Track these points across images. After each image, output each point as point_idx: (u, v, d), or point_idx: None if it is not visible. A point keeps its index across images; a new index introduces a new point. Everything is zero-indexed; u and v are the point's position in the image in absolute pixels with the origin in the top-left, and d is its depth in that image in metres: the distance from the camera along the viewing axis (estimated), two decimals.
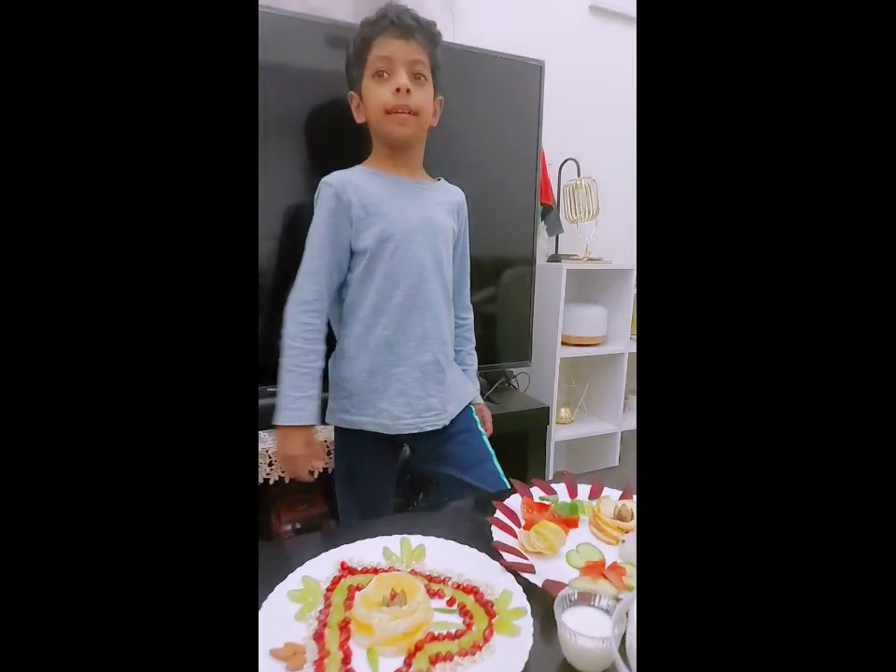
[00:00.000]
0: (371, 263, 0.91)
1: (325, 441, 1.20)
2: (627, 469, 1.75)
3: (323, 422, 0.96)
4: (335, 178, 0.92)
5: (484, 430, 1.08)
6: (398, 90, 0.88)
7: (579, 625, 0.51)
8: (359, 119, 0.96)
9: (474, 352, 1.14)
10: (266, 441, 1.22)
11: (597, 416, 2.00)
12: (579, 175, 1.82)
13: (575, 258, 1.84)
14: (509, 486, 1.00)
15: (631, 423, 1.94)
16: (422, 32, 0.89)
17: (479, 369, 1.18)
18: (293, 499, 1.42)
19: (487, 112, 1.46)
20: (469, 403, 1.07)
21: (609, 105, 1.97)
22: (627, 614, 0.45)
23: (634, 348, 1.88)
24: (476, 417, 1.08)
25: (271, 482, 1.22)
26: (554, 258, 1.84)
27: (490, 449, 1.05)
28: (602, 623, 0.54)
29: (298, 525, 1.39)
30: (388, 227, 0.90)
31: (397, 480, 1.15)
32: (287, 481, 1.19)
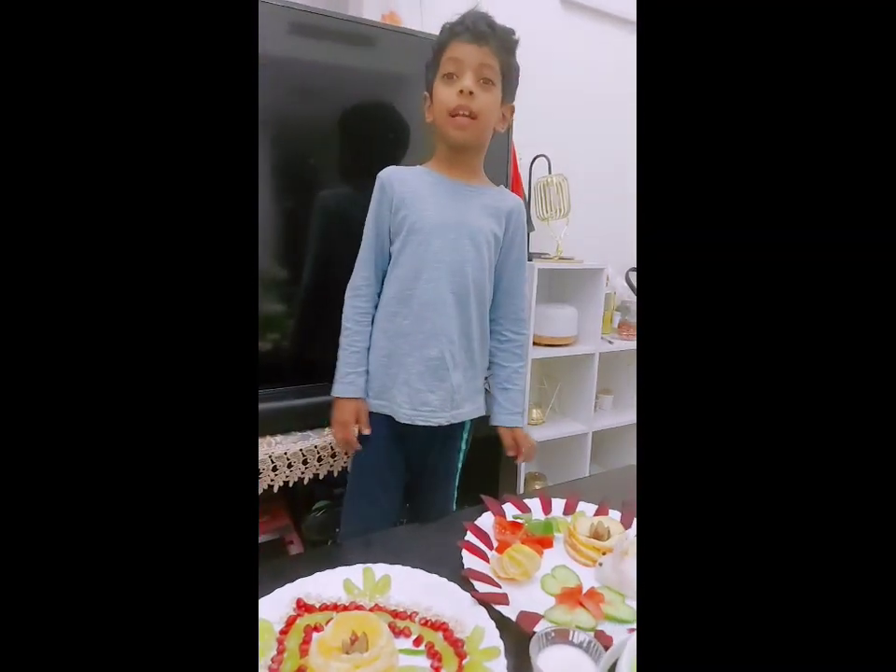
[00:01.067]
0: (399, 255, 0.97)
1: (285, 453, 1.13)
2: (601, 474, 1.73)
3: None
4: (385, 172, 0.99)
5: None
6: (461, 91, 0.90)
7: (556, 669, 0.47)
8: (429, 119, 0.99)
9: (522, 371, 1.08)
10: None
11: (570, 417, 1.97)
12: (550, 172, 1.78)
13: (546, 256, 1.80)
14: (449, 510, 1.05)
15: (602, 423, 1.92)
16: (496, 38, 0.91)
17: None
18: None
19: None
20: (471, 420, 1.06)
21: (581, 101, 1.93)
22: (616, 664, 0.41)
23: (605, 348, 1.86)
24: (466, 435, 1.07)
25: None
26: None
27: (453, 472, 1.07)
28: (581, 664, 0.49)
29: (260, 539, 1.32)
30: (417, 221, 0.94)
31: None
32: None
